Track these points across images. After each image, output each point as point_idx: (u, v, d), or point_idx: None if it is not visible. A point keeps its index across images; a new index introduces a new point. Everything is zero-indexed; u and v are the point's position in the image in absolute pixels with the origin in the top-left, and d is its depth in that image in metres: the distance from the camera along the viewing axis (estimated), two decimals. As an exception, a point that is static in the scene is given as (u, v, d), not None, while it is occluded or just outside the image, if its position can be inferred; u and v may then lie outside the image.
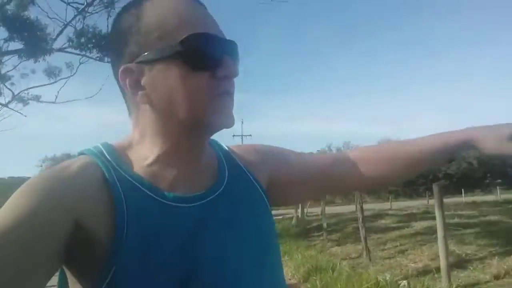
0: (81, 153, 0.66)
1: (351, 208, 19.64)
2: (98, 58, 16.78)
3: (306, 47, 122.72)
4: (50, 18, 16.34)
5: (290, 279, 6.10)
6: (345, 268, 6.06)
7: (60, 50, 16.85)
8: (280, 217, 16.87)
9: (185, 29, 0.60)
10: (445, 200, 6.07)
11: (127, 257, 0.55)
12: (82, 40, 16.28)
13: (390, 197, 24.28)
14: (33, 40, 15.63)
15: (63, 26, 16.46)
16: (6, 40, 17.09)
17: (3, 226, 0.50)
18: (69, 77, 19.35)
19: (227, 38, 0.67)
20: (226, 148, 0.81)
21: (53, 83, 20.45)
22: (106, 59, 16.72)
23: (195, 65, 0.60)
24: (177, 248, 0.59)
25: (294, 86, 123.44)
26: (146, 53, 0.61)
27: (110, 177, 0.60)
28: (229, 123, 0.64)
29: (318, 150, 43.43)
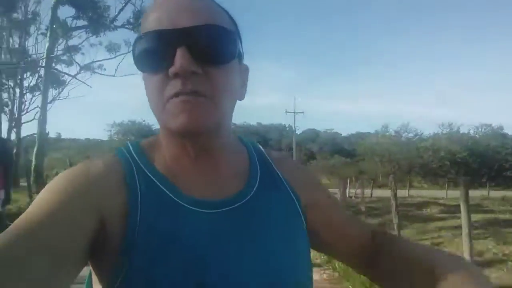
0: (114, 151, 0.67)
1: (404, 192, 18.87)
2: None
3: (364, 22, 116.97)
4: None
5: (317, 259, 6.07)
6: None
7: (121, 27, 17.72)
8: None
9: (140, 32, 0.58)
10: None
11: (137, 257, 0.55)
12: (141, 19, 16.88)
13: (446, 185, 22.69)
14: (96, 18, 16.54)
15: (124, 4, 17.21)
16: (73, 18, 18.42)
17: (34, 222, 0.50)
18: (127, 52, 20.80)
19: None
20: (263, 150, 0.75)
21: (113, 57, 22.12)
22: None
23: (143, 67, 0.58)
24: (188, 255, 0.56)
25: (350, 64, 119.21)
26: None
27: (131, 176, 0.60)
28: (183, 127, 0.55)
29: (375, 131, 41.75)
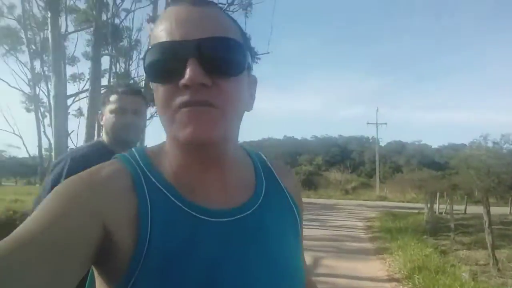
0: (114, 158, 0.65)
1: (503, 210, 16.90)
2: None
3: (453, 26, 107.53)
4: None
5: (396, 274, 5.81)
6: (462, 274, 5.41)
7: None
8: (416, 211, 15.69)
9: (150, 43, 0.58)
10: None
11: (147, 269, 0.54)
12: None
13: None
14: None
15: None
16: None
17: (36, 228, 0.49)
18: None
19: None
20: (267, 161, 0.76)
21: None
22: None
23: (154, 78, 0.58)
24: (200, 266, 0.56)
25: (438, 71, 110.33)
26: None
27: (139, 185, 0.58)
28: (192, 137, 0.55)
29: (470, 142, 37.97)
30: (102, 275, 0.58)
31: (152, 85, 0.59)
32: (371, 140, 59.71)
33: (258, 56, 17.72)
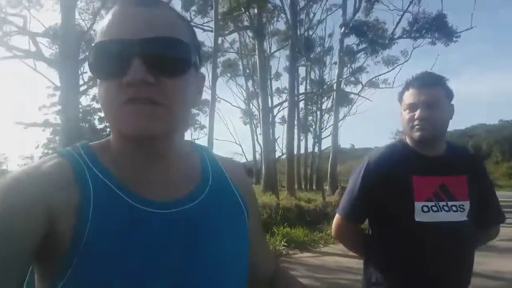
0: (55, 153, 0.64)
1: None
2: (430, 42, 16.53)
3: None
4: (390, 11, 17.61)
5: None
6: None
7: (397, 38, 17.78)
8: None
9: (97, 39, 0.58)
10: None
11: (86, 258, 0.54)
12: (416, 26, 16.51)
13: None
14: (375, 39, 17.41)
15: (401, 15, 17.30)
16: (357, 44, 20.14)
17: None
18: (403, 62, 20.67)
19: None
20: (216, 157, 0.77)
21: (390, 70, 22.44)
22: (438, 42, 16.22)
23: (99, 74, 0.58)
24: (139, 256, 0.57)
25: None
26: None
27: (81, 177, 0.58)
28: (137, 130, 0.56)
29: None
30: (42, 270, 0.57)
31: (98, 82, 0.60)
32: None
33: (457, 34, 15.57)
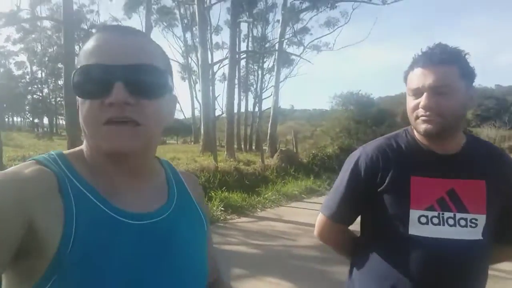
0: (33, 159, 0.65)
1: None
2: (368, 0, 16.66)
3: None
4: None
5: None
6: None
7: (340, 0, 17.67)
8: None
9: (81, 63, 0.63)
10: None
11: (70, 269, 0.55)
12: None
13: None
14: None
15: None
16: (300, 2, 19.66)
17: None
18: (344, 24, 20.79)
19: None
20: (176, 169, 0.82)
21: (331, 32, 22.58)
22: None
23: (82, 94, 0.62)
24: (120, 264, 0.59)
25: None
26: None
27: (64, 185, 0.60)
28: (116, 148, 0.60)
29: None
30: (17, 275, 0.58)
31: (79, 100, 0.63)
32: (539, 90, 48.38)
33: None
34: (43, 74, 41.93)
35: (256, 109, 29.63)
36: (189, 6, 23.77)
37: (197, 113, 26.60)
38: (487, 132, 33.46)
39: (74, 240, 0.56)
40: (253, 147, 26.59)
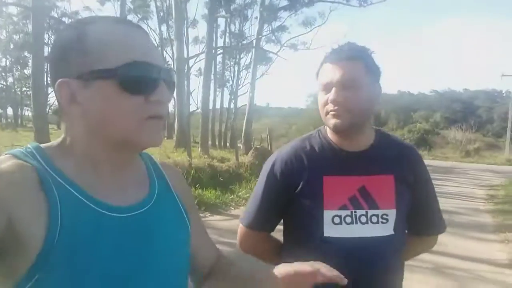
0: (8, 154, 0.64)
1: None
2: (345, 1, 16.91)
3: None
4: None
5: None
6: None
7: (317, 1, 17.85)
8: None
9: (124, 56, 0.62)
10: None
11: (55, 264, 0.55)
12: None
13: None
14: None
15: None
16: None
17: None
18: (321, 24, 21.09)
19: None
20: (157, 162, 0.82)
21: (308, 32, 22.81)
22: (353, 1, 16.74)
23: (130, 89, 0.62)
24: (103, 256, 0.60)
25: None
26: (85, 71, 0.62)
27: (45, 179, 0.59)
28: (156, 143, 0.66)
29: None
30: None
31: (103, 88, 0.62)
32: (504, 95, 50.84)
33: (370, 2, 16.27)
34: (8, 63, 39.96)
35: (232, 105, 29.59)
36: (166, -1, 23.31)
37: (171, 108, 26.21)
38: (454, 134, 34.83)
39: (60, 234, 0.56)
40: (228, 144, 26.51)
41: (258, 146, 13.26)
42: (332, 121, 1.08)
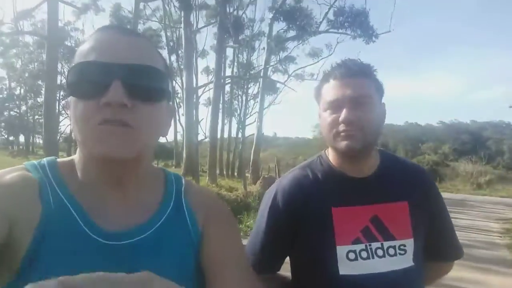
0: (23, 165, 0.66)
1: None
2: (352, 36, 17.20)
3: None
4: (318, 4, 17.94)
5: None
6: None
7: (324, 32, 18.25)
8: None
9: (77, 60, 0.59)
10: None
11: (30, 276, 0.54)
12: (340, 19, 16.98)
13: None
14: (303, 26, 17.56)
15: (328, 9, 17.70)
16: (285, 30, 20.20)
17: None
18: (328, 56, 21.49)
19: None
20: (191, 191, 0.73)
21: (315, 62, 23.22)
22: (358, 38, 17.01)
23: (78, 94, 0.58)
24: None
25: None
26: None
27: (44, 193, 0.59)
28: (111, 152, 0.56)
29: None
30: None
31: (71, 100, 0.60)
32: (512, 127, 50.51)
33: (376, 35, 16.50)
34: (22, 91, 40.99)
35: (239, 134, 29.70)
36: (176, 29, 24.04)
37: (179, 137, 26.36)
38: (464, 167, 34.38)
39: (44, 245, 0.55)
40: (235, 173, 26.37)
41: (266, 176, 13.15)
42: (344, 143, 0.98)
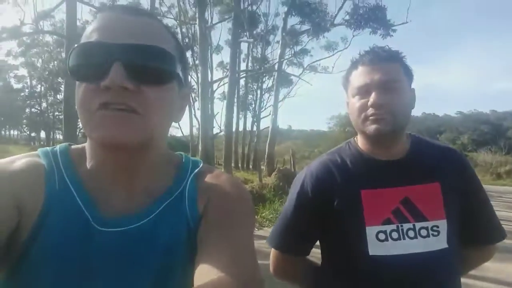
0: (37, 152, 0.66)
1: None
2: (370, 32, 16.93)
3: None
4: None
5: None
6: None
7: (338, 24, 18.03)
8: None
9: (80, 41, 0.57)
10: None
11: (30, 260, 0.55)
12: (355, 17, 16.75)
13: None
14: (318, 21, 17.38)
15: (342, 2, 17.45)
16: (299, 24, 20.07)
17: None
18: (343, 49, 21.21)
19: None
20: (195, 172, 0.68)
21: (331, 56, 22.95)
22: (378, 32, 16.72)
23: (78, 76, 0.56)
24: (76, 273, 0.57)
25: None
26: None
27: (50, 180, 0.59)
28: (109, 138, 0.53)
29: None
30: None
31: (76, 83, 0.57)
32: (534, 116, 48.89)
33: (394, 28, 16.17)
34: (43, 88, 42.04)
35: (254, 128, 29.83)
36: (191, 26, 24.15)
37: (195, 131, 26.57)
38: (483, 157, 33.55)
39: (39, 234, 0.56)
40: (250, 166, 26.49)
41: (281, 168, 13.18)
42: (374, 126, 0.99)
